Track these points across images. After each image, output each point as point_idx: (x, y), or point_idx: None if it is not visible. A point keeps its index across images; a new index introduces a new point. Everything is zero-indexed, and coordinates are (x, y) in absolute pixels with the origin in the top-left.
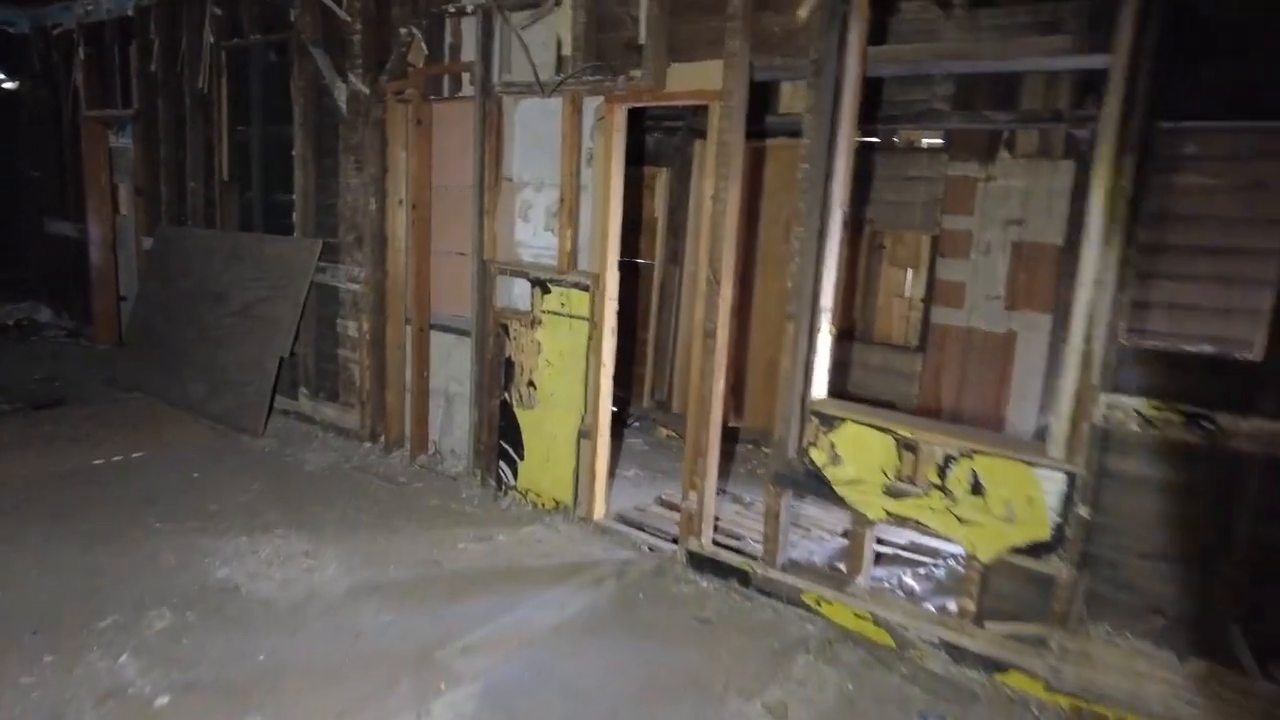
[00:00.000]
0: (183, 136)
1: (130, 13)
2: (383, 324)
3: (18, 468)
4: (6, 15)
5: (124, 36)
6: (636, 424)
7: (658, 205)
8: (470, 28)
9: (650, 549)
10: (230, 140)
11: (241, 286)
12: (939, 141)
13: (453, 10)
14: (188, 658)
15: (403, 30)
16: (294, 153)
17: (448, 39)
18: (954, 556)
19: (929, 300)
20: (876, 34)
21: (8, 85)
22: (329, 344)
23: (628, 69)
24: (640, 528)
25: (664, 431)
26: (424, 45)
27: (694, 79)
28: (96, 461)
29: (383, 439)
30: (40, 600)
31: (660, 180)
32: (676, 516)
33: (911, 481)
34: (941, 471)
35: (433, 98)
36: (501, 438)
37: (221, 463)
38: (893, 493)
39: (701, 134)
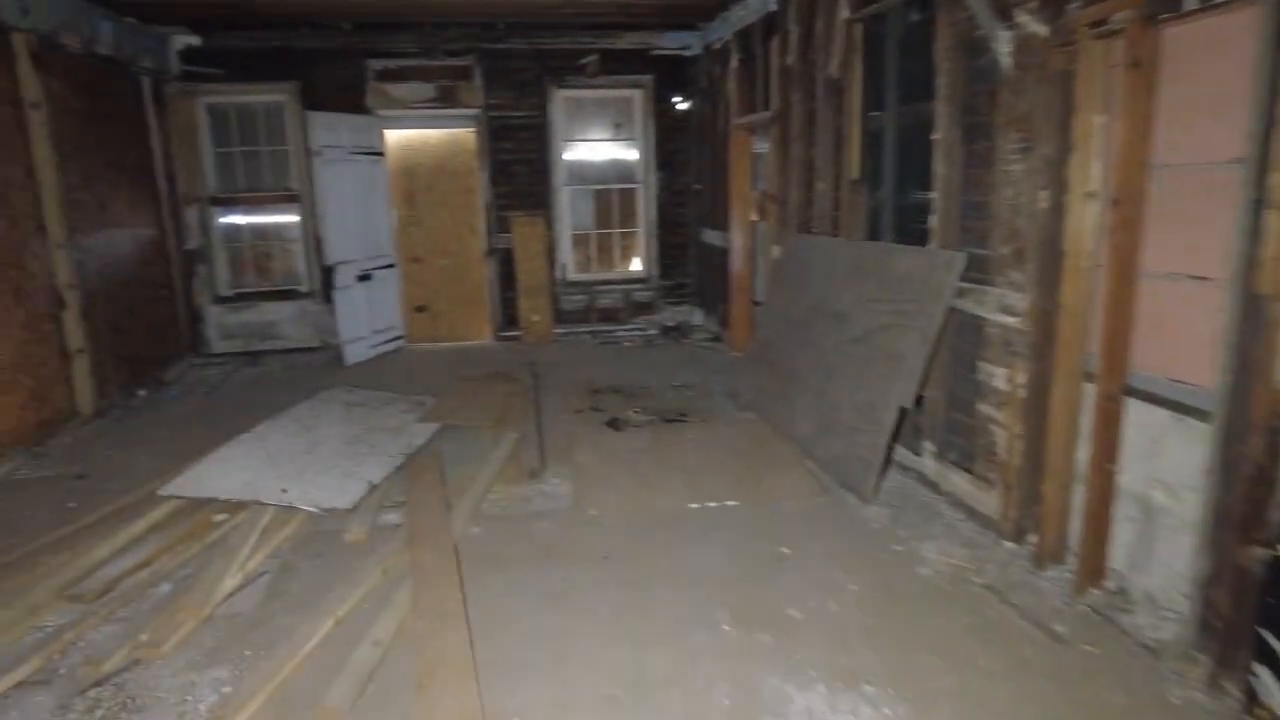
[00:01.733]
0: (812, 133)
1: (774, 6)
2: (1045, 377)
3: (621, 500)
4: (682, 40)
5: (766, 34)
6: None
7: None
8: None
9: None
10: (861, 130)
11: (863, 307)
12: None
13: None
14: None
15: None
16: (934, 136)
17: None
18: None
19: None
20: None
21: (682, 106)
22: (965, 392)
23: None
24: None
25: None
26: None
27: None
28: (692, 505)
29: (1032, 543)
30: None
31: None
32: None
33: None
34: None
35: (1164, 17)
36: (1266, 622)
37: (817, 536)
38: None
39: None
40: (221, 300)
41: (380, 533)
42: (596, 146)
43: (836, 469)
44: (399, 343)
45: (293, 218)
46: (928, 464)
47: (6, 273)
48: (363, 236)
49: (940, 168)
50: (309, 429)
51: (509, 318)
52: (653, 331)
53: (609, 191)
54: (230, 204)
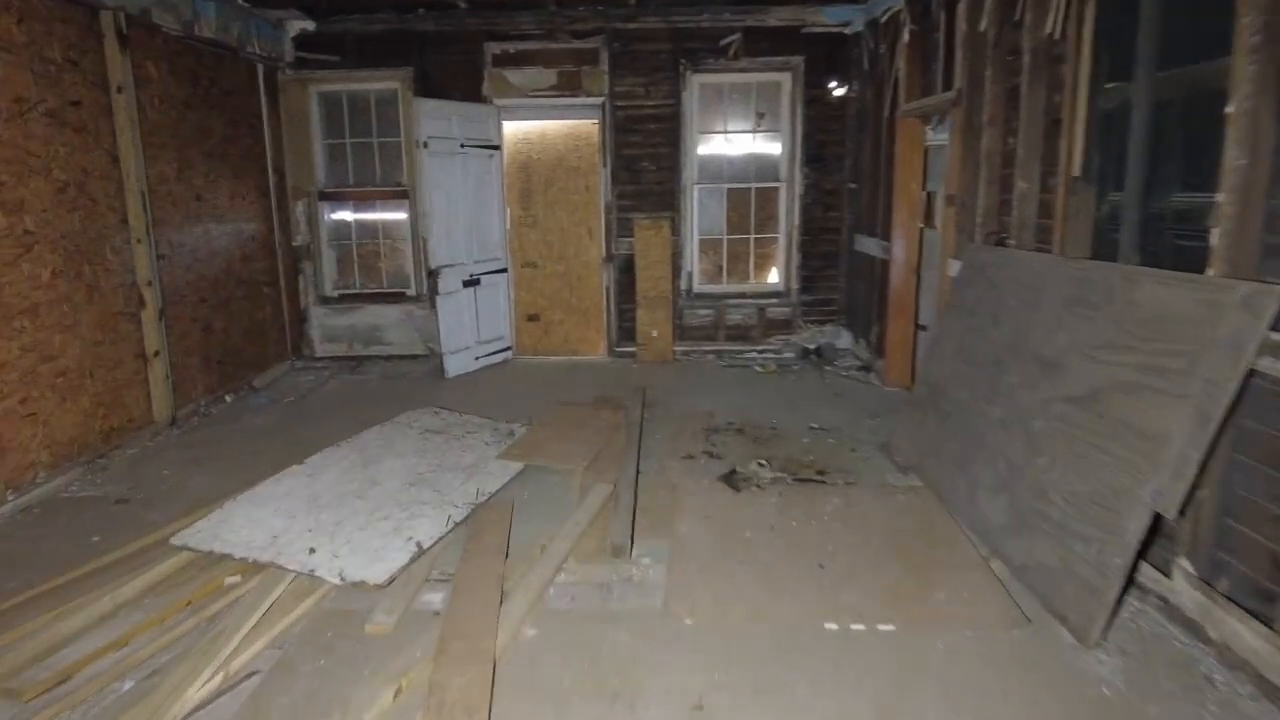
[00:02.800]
0: (1011, 117)
1: None
2: None
3: (729, 603)
4: (842, 15)
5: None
6: None
7: None
8: None
9: None
10: (1089, 110)
11: (1088, 356)
12: None
13: None
14: None
15: None
16: (1226, 109)
17: None
18: None
19: None
20: None
21: (838, 91)
22: (1260, 493)
23: None
24: None
25: None
26: None
27: None
28: (829, 625)
29: None
30: None
31: None
32: None
33: None
34: None
35: None
36: None
37: (1011, 697)
38: None
39: None
40: (326, 301)
41: (413, 621)
42: (734, 139)
43: (1040, 582)
44: (506, 354)
45: (402, 215)
46: (1183, 592)
47: (80, 267)
48: (472, 238)
49: (1235, 157)
50: (371, 462)
51: (626, 332)
52: (789, 355)
53: (746, 191)
54: (339, 199)
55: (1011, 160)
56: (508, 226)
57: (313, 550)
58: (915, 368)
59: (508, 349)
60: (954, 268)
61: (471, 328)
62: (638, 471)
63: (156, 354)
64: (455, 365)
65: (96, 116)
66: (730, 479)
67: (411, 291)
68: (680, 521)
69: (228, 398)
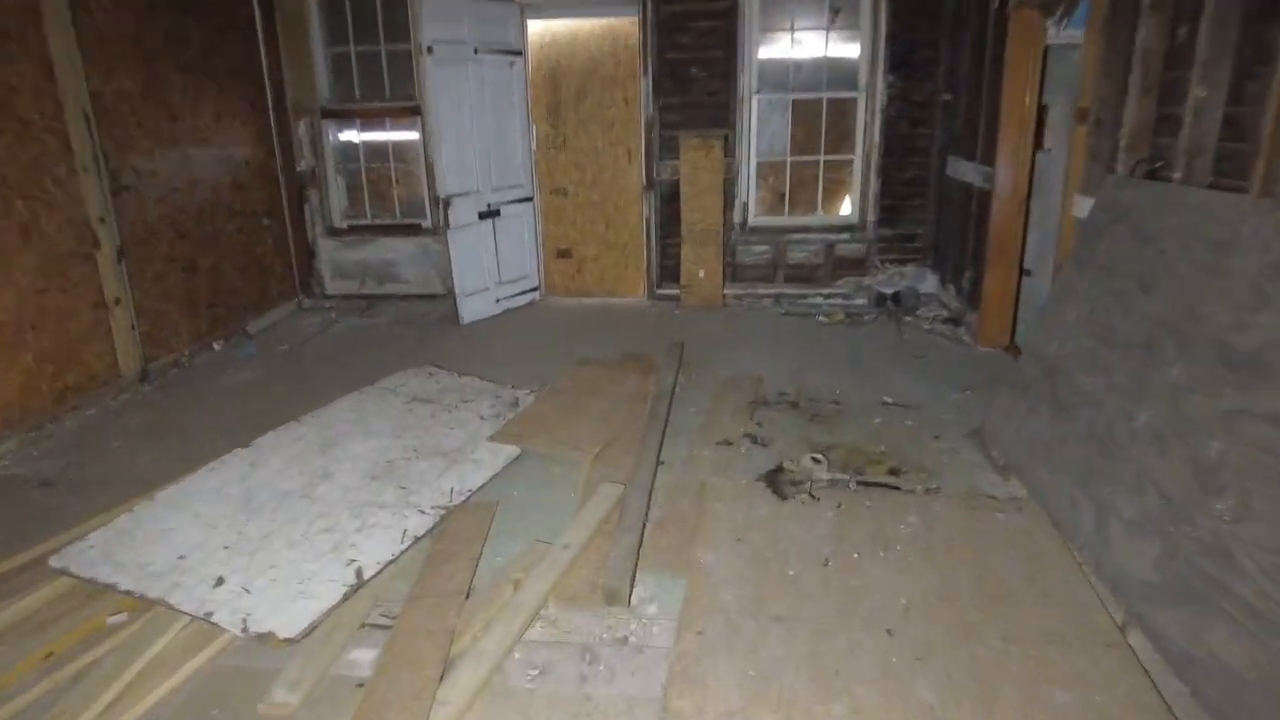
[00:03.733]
0: (1191, 1)
1: None
2: None
3: (759, 698)
4: None
5: None
6: None
7: None
8: None
9: None
10: None
11: None
12: None
13: None
14: None
15: None
16: None
17: None
18: None
19: None
20: None
21: None
22: None
23: None
24: None
25: None
26: None
27: None
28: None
29: None
30: None
31: None
32: None
33: None
34: None
35: None
36: None
37: None
38: None
39: None
40: (334, 233)
41: (327, 698)
42: (803, 40)
43: (1215, 691)
44: (533, 296)
45: (414, 135)
46: None
47: (10, 203)
48: (489, 161)
49: None
50: (333, 444)
51: (669, 271)
52: (861, 301)
53: (815, 103)
54: (345, 117)
55: (1179, 60)
56: (533, 147)
57: (220, 580)
58: (1016, 325)
59: (534, 289)
60: (1082, 206)
61: (491, 266)
62: (658, 464)
63: (118, 301)
64: (472, 309)
65: (22, 19)
66: (775, 480)
67: (427, 223)
68: (704, 545)
69: (217, 345)
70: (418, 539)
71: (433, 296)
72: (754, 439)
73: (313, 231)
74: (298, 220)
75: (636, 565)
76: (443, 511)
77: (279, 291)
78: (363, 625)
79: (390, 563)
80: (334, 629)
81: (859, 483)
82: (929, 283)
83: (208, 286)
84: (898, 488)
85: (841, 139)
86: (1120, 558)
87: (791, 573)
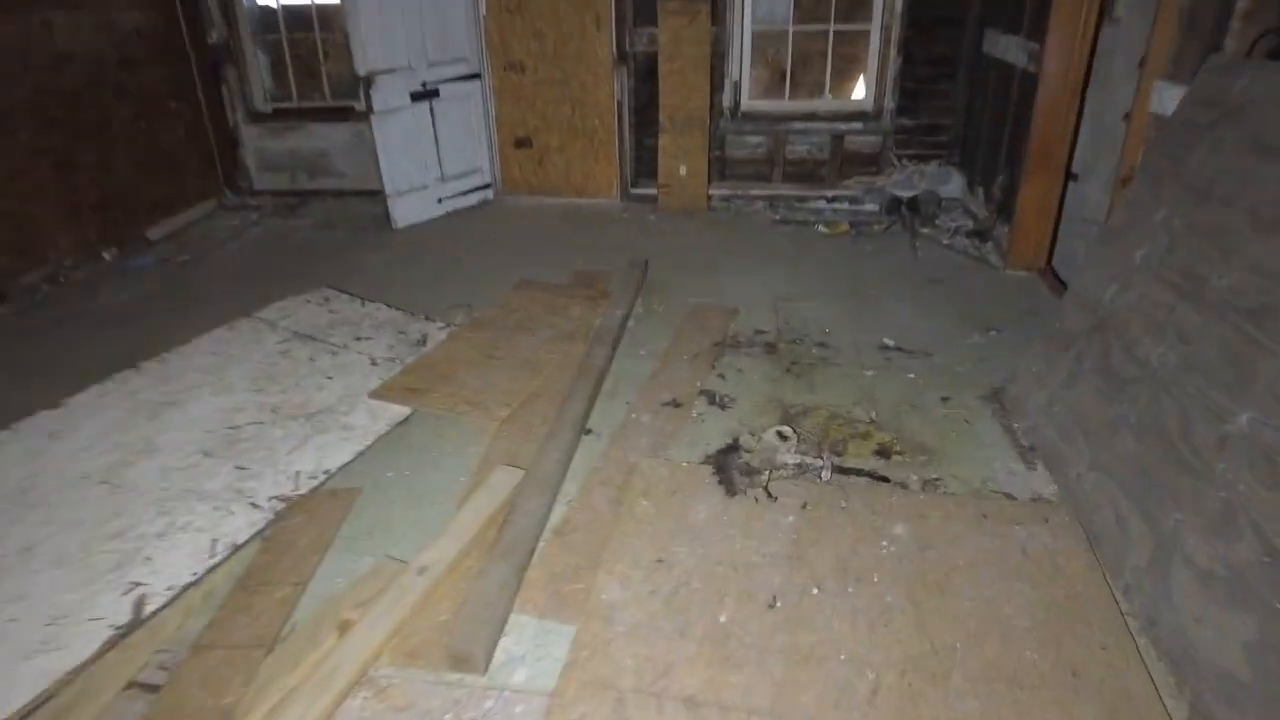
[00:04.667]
0: None
1: None
2: None
3: None
4: None
5: None
6: None
7: None
8: None
9: None
10: None
11: None
12: None
13: None
14: None
15: None
16: None
17: None
18: None
19: None
20: None
21: None
22: None
23: None
24: None
25: None
26: None
27: None
28: None
29: None
30: None
31: None
32: None
33: None
34: None
35: None
36: None
37: None
38: None
39: None
40: (258, 119)
41: None
42: None
43: None
44: (484, 194)
45: None
46: None
47: None
48: (424, 29)
49: None
50: (170, 403)
51: (646, 166)
52: (871, 207)
53: None
54: None
55: None
56: (482, 12)
57: None
58: (1055, 244)
59: (486, 187)
60: (1165, 97)
61: (429, 158)
62: (583, 434)
63: None
64: (407, 211)
65: None
66: (726, 463)
67: (361, 105)
68: (613, 567)
69: (107, 255)
70: (237, 548)
71: (372, 193)
72: (712, 398)
73: (233, 116)
74: (215, 104)
75: (510, 607)
76: (282, 504)
77: (198, 189)
78: (130, 685)
79: (190, 586)
80: (80, 697)
81: (835, 470)
82: (953, 185)
83: (95, 185)
84: (886, 479)
85: (856, 5)
86: (1187, 622)
87: (723, 619)
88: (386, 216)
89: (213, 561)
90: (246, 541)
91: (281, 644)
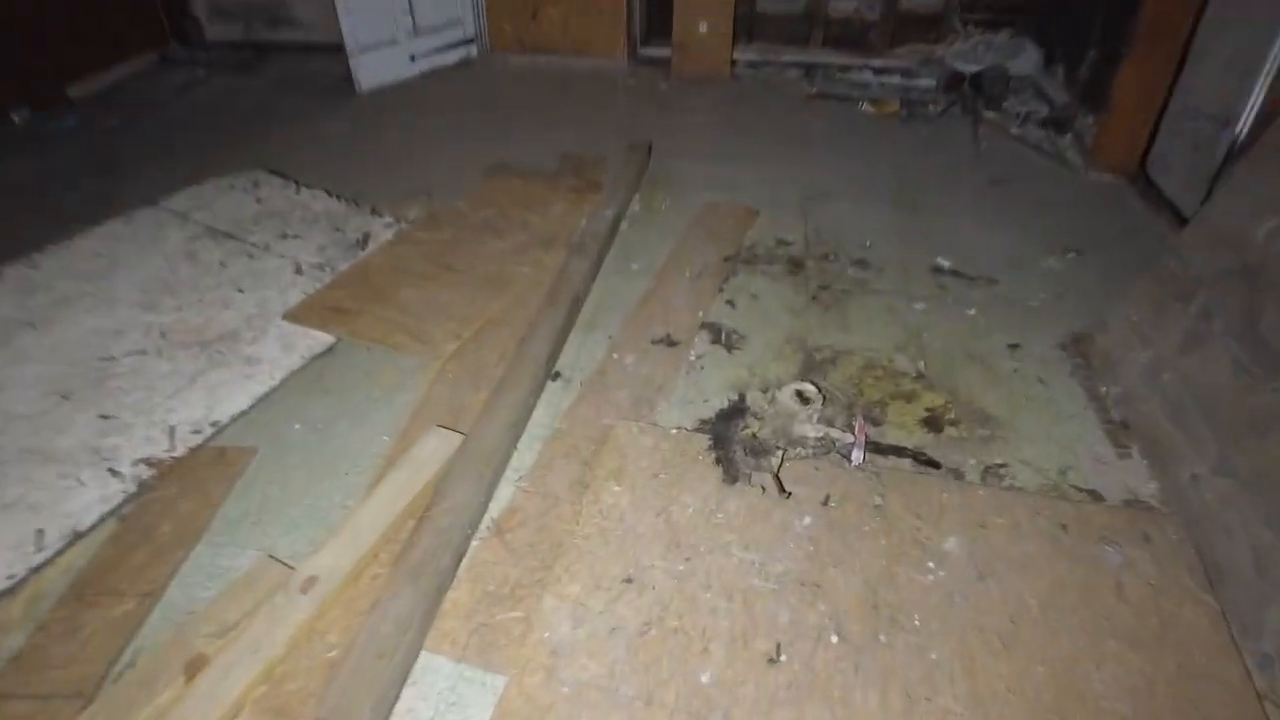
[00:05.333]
0: None
1: None
2: None
3: None
4: None
5: None
6: None
7: None
8: None
9: None
10: None
11: None
12: None
13: None
14: None
15: None
16: None
17: None
18: None
19: None
20: None
21: None
22: None
23: None
24: None
25: None
26: None
27: None
28: None
29: None
30: None
31: None
32: None
33: None
34: None
35: None
36: None
37: None
38: None
39: None
40: None
41: None
42: None
43: None
44: (467, 50)
45: None
46: None
47: None
48: None
49: None
50: (41, 319)
51: (659, 20)
52: (927, 82)
53: None
54: None
55: None
56: None
57: None
58: (1153, 142)
59: (469, 42)
60: None
61: (400, 6)
62: (549, 379)
63: None
64: (373, 71)
65: None
66: (727, 434)
67: None
68: (564, 588)
69: (17, 117)
70: (78, 536)
71: (338, 49)
72: (716, 334)
73: None
74: None
75: (414, 654)
76: (150, 471)
77: (136, 39)
78: None
79: (2, 595)
80: None
81: (870, 449)
82: (1027, 58)
83: (9, 36)
84: (935, 464)
85: None
86: None
87: (706, 679)
88: (350, 77)
89: (42, 557)
90: (94, 526)
91: (107, 691)
